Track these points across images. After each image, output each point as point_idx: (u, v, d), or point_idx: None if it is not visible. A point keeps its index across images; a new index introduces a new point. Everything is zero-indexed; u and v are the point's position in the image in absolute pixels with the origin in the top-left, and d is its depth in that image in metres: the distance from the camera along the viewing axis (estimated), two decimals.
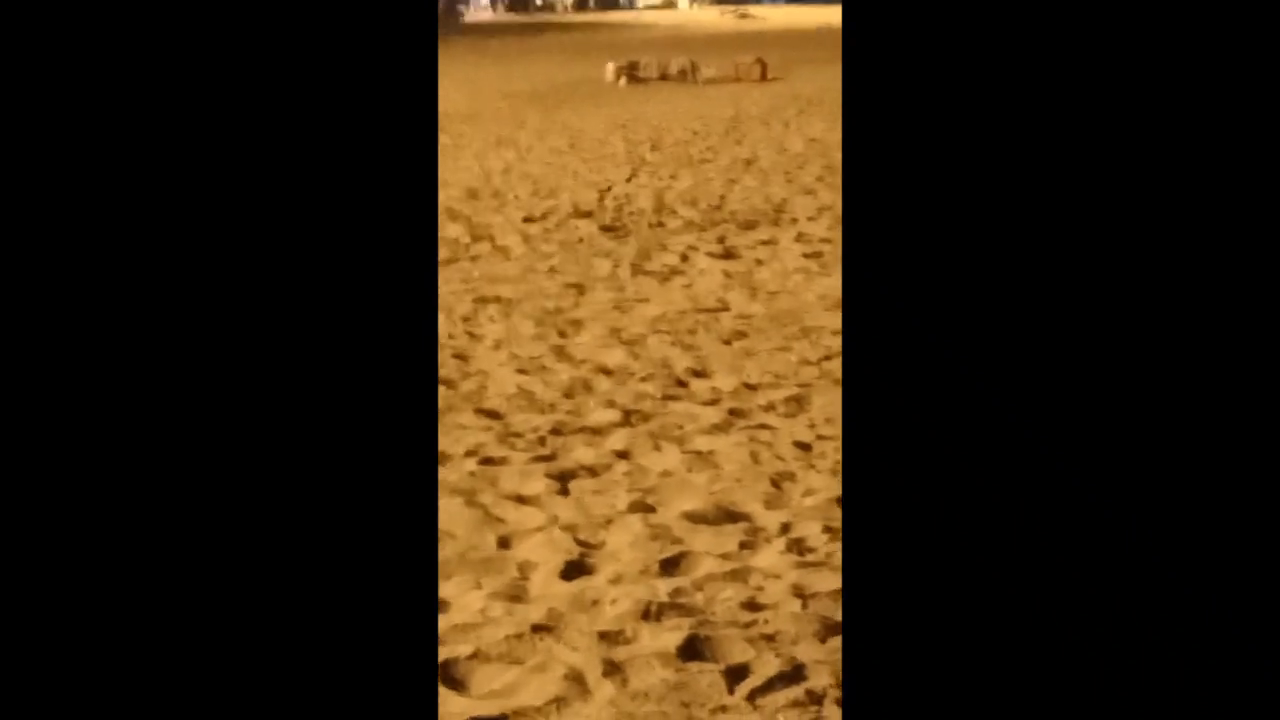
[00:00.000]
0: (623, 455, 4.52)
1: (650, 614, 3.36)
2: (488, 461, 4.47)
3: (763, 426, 4.79)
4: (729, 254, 7.88)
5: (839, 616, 3.21)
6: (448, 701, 3.03)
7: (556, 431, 4.75)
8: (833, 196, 9.61)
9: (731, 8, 63.55)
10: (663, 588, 3.52)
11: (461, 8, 64.79)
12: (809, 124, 14.91)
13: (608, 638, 3.26)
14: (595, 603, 3.45)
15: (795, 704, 2.96)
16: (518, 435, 4.73)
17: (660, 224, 8.85)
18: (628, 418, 4.90)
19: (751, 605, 3.40)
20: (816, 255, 7.78)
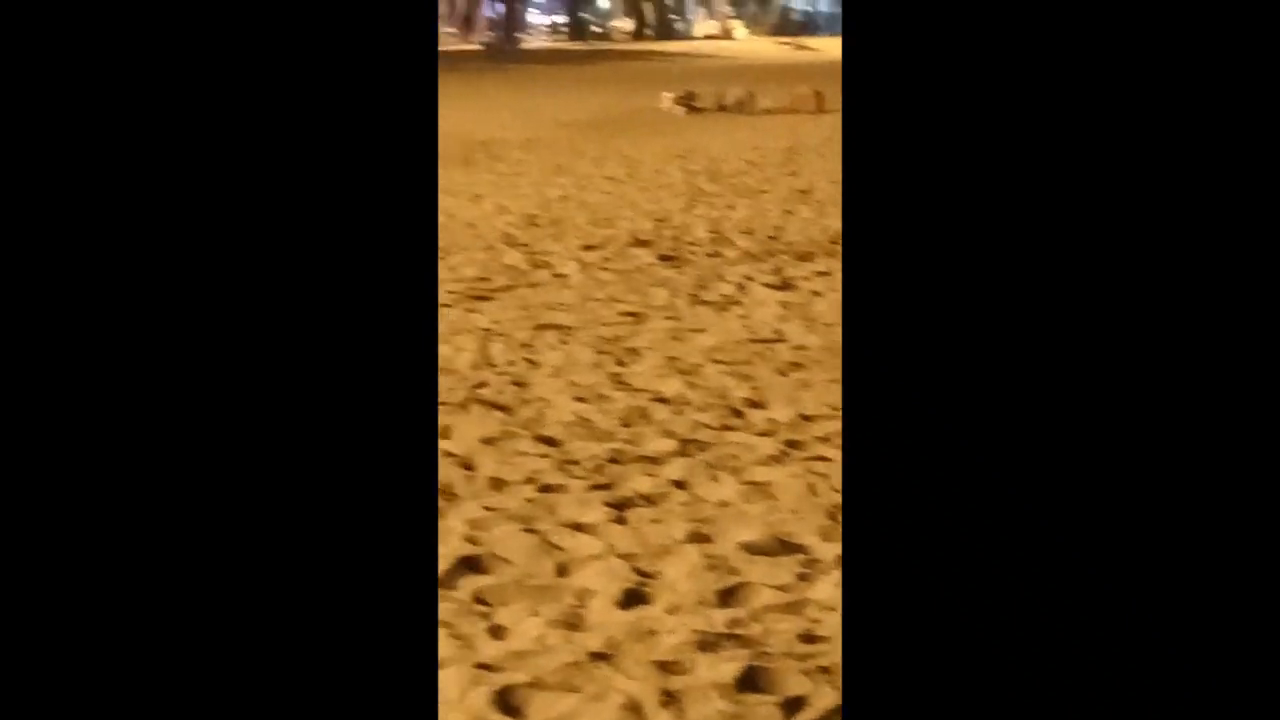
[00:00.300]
0: (680, 485, 4.53)
1: (707, 644, 3.37)
2: (546, 489, 4.49)
3: (819, 458, 4.79)
4: (785, 285, 7.88)
5: None
6: None
7: (614, 460, 4.77)
8: None
9: (788, 38, 63.61)
10: (719, 618, 3.52)
11: (519, 35, 65.11)
12: None
13: (665, 667, 3.26)
14: (652, 632, 3.46)
15: None
16: (575, 463, 4.75)
17: (717, 254, 8.86)
18: (685, 447, 4.91)
19: (808, 637, 3.41)
20: None
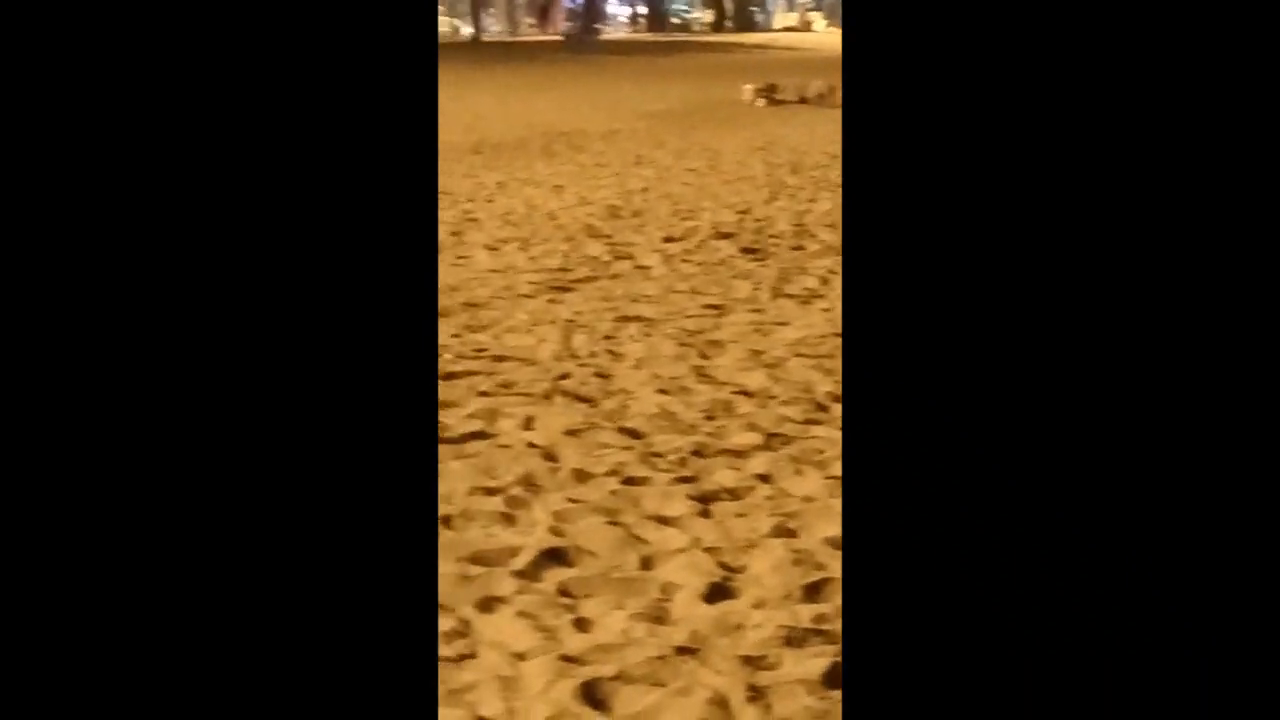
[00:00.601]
0: (765, 479, 4.50)
1: (794, 640, 3.34)
2: (630, 481, 4.48)
3: None
4: None
5: None
6: None
7: (698, 453, 4.75)
8: None
9: None
10: (806, 613, 3.49)
11: (598, 25, 65.23)
12: None
13: (751, 662, 3.24)
14: (738, 627, 3.43)
15: None
16: (659, 455, 4.73)
17: (800, 247, 8.82)
18: (769, 441, 4.88)
19: None
20: None
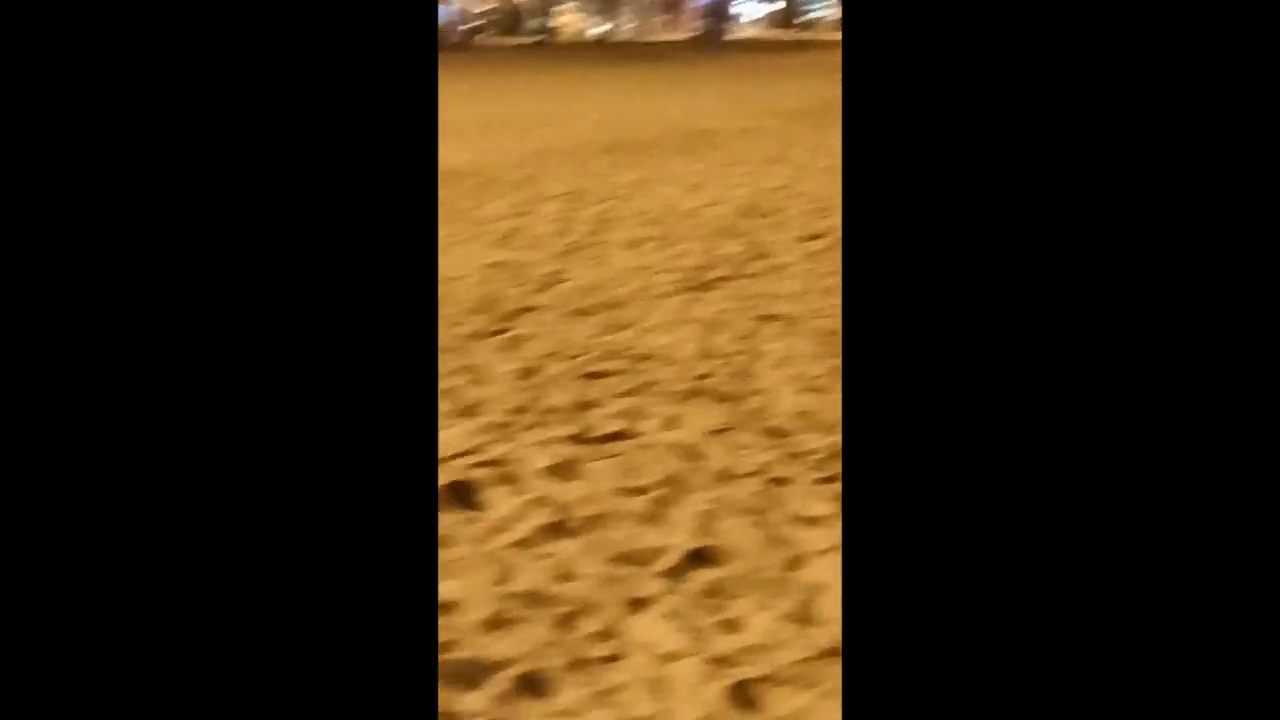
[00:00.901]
0: None
1: None
2: (774, 481, 4.46)
3: None
4: None
5: None
6: None
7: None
8: None
9: None
10: None
11: (726, 24, 65.23)
12: None
13: None
14: None
15: None
16: (802, 455, 4.71)
17: None
18: None
19: None
20: None
